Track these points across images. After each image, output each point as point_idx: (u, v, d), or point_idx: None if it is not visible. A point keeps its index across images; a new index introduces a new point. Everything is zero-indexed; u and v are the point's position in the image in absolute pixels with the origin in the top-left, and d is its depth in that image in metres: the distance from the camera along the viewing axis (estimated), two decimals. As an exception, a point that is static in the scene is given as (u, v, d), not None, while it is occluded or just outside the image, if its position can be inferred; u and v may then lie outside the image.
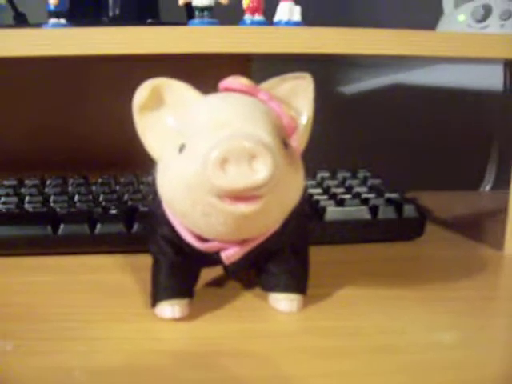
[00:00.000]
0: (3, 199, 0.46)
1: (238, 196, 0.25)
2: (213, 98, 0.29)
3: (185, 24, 0.43)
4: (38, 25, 0.41)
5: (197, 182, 0.26)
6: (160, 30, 0.37)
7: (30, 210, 0.43)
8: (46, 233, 0.40)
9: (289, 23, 0.39)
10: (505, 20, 0.49)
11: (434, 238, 0.46)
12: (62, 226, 0.41)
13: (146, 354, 0.29)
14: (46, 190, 0.48)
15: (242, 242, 0.30)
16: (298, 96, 0.32)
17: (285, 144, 0.29)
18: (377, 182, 0.51)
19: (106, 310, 0.33)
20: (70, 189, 0.49)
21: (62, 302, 0.34)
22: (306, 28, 0.38)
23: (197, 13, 0.38)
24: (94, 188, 0.49)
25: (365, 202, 0.45)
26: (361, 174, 0.53)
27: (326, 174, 0.53)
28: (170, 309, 0.31)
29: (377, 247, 0.44)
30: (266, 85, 0.32)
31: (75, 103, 0.62)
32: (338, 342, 0.30)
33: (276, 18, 0.39)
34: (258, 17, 0.39)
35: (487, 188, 0.64)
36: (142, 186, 0.49)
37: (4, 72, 0.56)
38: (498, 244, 0.44)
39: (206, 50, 0.38)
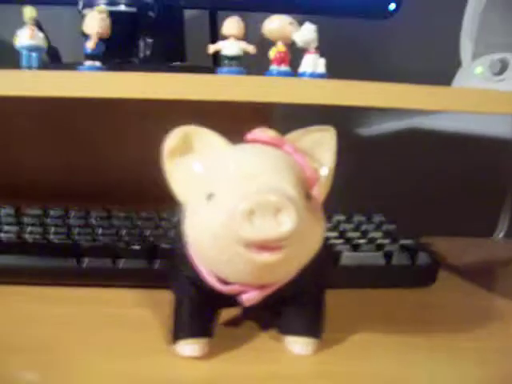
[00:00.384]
0: (29, 229, 0.47)
1: (263, 246, 0.27)
2: (240, 149, 0.31)
3: (211, 68, 0.44)
4: (73, 65, 0.43)
5: (224, 232, 0.27)
6: (188, 78, 0.39)
7: (56, 241, 0.45)
8: (71, 265, 0.42)
9: (313, 75, 0.40)
10: (522, 74, 0.51)
11: (446, 284, 0.47)
12: (86, 260, 0.42)
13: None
14: (70, 221, 0.50)
15: (262, 286, 0.31)
16: (321, 148, 0.33)
17: (307, 195, 0.30)
18: (391, 227, 0.52)
19: (125, 345, 0.34)
20: (93, 221, 0.50)
21: (81, 335, 0.36)
22: (329, 80, 0.40)
23: (225, 61, 0.40)
24: (115, 222, 0.50)
25: (379, 247, 0.47)
26: (376, 218, 0.55)
27: (342, 218, 0.54)
28: (190, 347, 0.32)
29: (390, 293, 0.45)
30: (291, 136, 0.33)
31: (101, 138, 0.65)
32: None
33: (301, 69, 0.41)
34: (284, 67, 0.41)
35: (500, 235, 0.65)
36: (163, 222, 0.51)
37: (36, 107, 0.58)
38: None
39: (233, 98, 0.39)
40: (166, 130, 0.34)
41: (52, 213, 0.51)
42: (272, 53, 0.41)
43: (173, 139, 0.32)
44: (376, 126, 0.74)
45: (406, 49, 0.67)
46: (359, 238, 0.49)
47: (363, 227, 0.52)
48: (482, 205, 0.66)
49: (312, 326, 0.34)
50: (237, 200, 0.27)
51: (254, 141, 0.32)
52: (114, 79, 0.39)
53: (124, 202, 0.57)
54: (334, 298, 0.36)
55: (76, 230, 0.47)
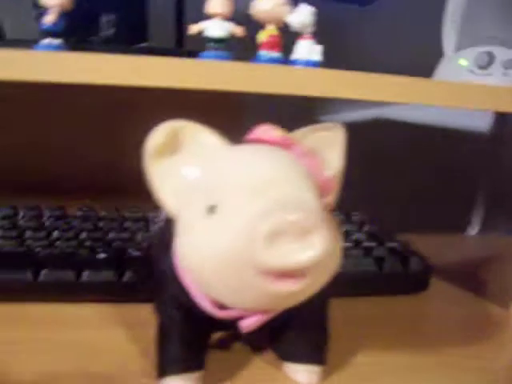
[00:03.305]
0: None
1: (285, 273, 0.22)
2: (245, 151, 0.26)
3: (174, 51, 0.39)
4: (24, 42, 0.36)
5: (235, 256, 0.22)
6: (170, 62, 0.34)
7: (5, 249, 0.38)
8: (25, 278, 0.36)
9: (308, 63, 0.36)
10: (507, 69, 0.49)
11: (436, 291, 0.44)
12: (43, 272, 0.36)
13: None
14: (20, 222, 0.44)
15: (264, 311, 0.27)
16: (329, 148, 0.29)
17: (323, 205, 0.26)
18: (373, 227, 0.49)
19: (97, 379, 0.29)
20: (46, 223, 0.44)
21: (40, 368, 0.29)
22: (328, 70, 0.35)
23: (211, 44, 0.35)
24: (74, 223, 0.44)
25: (367, 251, 0.43)
26: (355, 217, 0.51)
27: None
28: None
29: (380, 302, 0.41)
30: (295, 135, 0.29)
31: (49, 125, 0.57)
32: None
33: (294, 56, 0.36)
34: (276, 53, 0.36)
35: (474, 232, 0.63)
36: (127, 223, 0.45)
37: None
38: (503, 301, 0.42)
39: (220, 86, 0.34)
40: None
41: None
42: (262, 36, 0.36)
43: (159, 136, 0.27)
44: (342, 114, 0.70)
45: (384, 38, 0.64)
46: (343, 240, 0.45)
47: (344, 227, 0.48)
48: (454, 201, 0.64)
49: (317, 352, 0.30)
50: (254, 218, 0.22)
51: (258, 141, 0.27)
52: (80, 61, 0.33)
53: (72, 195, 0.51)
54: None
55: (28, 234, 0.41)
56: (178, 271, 0.27)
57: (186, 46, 0.54)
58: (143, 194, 0.54)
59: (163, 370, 0.28)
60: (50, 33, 0.35)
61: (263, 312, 0.27)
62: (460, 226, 0.64)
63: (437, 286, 0.45)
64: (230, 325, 0.28)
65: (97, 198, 0.52)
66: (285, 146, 0.27)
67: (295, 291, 0.23)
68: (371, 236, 0.46)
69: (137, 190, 0.55)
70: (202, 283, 0.25)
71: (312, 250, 0.22)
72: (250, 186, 0.23)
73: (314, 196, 0.24)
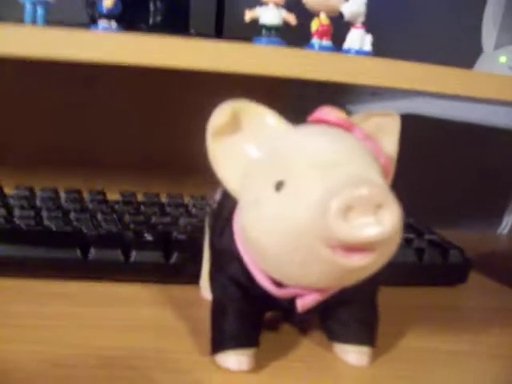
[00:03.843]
0: (18, 212, 0.41)
1: (354, 247, 0.22)
2: (309, 131, 0.26)
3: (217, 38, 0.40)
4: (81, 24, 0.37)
5: (307, 229, 0.23)
6: (225, 47, 0.34)
7: (53, 228, 0.39)
8: (75, 257, 0.36)
9: (360, 52, 0.36)
10: (547, 66, 0.49)
11: (475, 284, 0.44)
12: (92, 251, 0.37)
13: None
14: (64, 204, 0.44)
15: (320, 290, 0.27)
16: (384, 134, 0.30)
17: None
18: (411, 219, 0.49)
19: (151, 355, 0.29)
20: (89, 206, 0.45)
21: (87, 343, 0.30)
22: (380, 59, 0.36)
23: (264, 31, 0.36)
24: (115, 207, 0.45)
25: (407, 242, 0.43)
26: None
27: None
28: (236, 359, 0.28)
29: (420, 292, 0.41)
30: (353, 119, 0.29)
31: (92, 114, 0.58)
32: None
33: (346, 46, 0.37)
34: (327, 42, 0.36)
35: (505, 231, 0.63)
36: (167, 208, 0.46)
37: (22, 74, 0.52)
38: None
39: (273, 72, 0.35)
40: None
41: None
42: (314, 25, 0.37)
43: (221, 116, 0.27)
44: (371, 108, 0.70)
45: (423, 33, 0.64)
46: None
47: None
48: (486, 199, 0.64)
49: (367, 333, 0.31)
50: (326, 191, 0.22)
51: (320, 122, 0.27)
52: (136, 43, 0.34)
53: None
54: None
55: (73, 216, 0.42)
56: (238, 249, 0.28)
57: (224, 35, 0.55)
58: (181, 180, 0.55)
59: (219, 345, 0.28)
60: (107, 16, 0.36)
61: (320, 291, 0.27)
62: (491, 225, 0.64)
63: (475, 279, 0.45)
64: (285, 304, 0.28)
65: (135, 183, 0.53)
66: (346, 127, 0.27)
67: (363, 265, 0.23)
68: (410, 228, 0.47)
69: (175, 175, 0.56)
70: (266, 259, 0.26)
71: (383, 225, 0.22)
72: (319, 163, 0.24)
73: (381, 175, 0.24)
